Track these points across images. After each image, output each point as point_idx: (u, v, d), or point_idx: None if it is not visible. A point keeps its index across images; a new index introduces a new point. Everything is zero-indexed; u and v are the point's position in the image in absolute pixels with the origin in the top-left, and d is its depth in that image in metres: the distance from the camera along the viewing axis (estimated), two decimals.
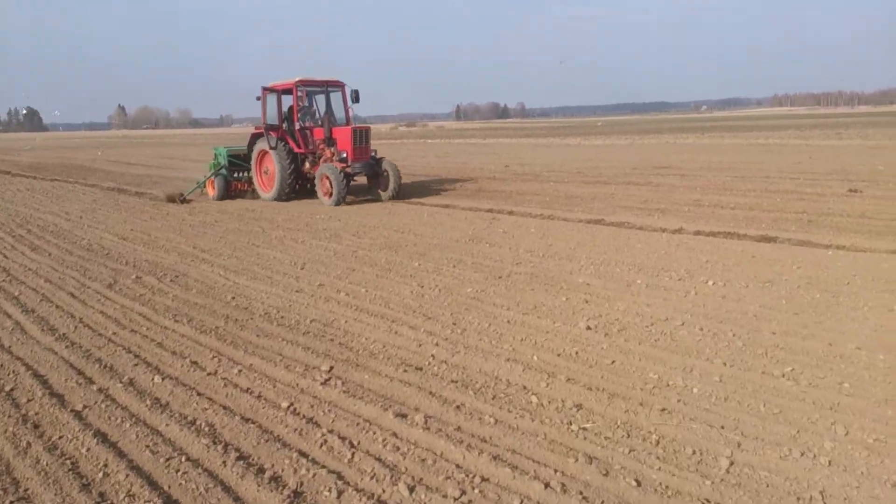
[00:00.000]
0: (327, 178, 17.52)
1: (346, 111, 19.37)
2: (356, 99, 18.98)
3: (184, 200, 19.21)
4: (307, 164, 18.91)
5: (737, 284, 8.28)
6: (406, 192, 19.35)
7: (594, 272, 9.26)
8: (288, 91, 18.86)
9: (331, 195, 17.46)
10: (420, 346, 6.52)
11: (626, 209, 15.02)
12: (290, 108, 19.06)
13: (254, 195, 19.84)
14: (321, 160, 18.51)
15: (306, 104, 19.56)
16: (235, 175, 20.16)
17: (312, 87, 19.34)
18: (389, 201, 18.17)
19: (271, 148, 18.45)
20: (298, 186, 19.00)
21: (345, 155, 17.93)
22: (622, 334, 6.58)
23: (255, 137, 19.54)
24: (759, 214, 13.56)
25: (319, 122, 19.21)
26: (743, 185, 18.47)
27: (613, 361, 5.88)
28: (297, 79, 18.63)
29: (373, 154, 18.57)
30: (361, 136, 18.20)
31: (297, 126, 18.92)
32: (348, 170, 17.80)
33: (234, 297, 8.57)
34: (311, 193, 18.82)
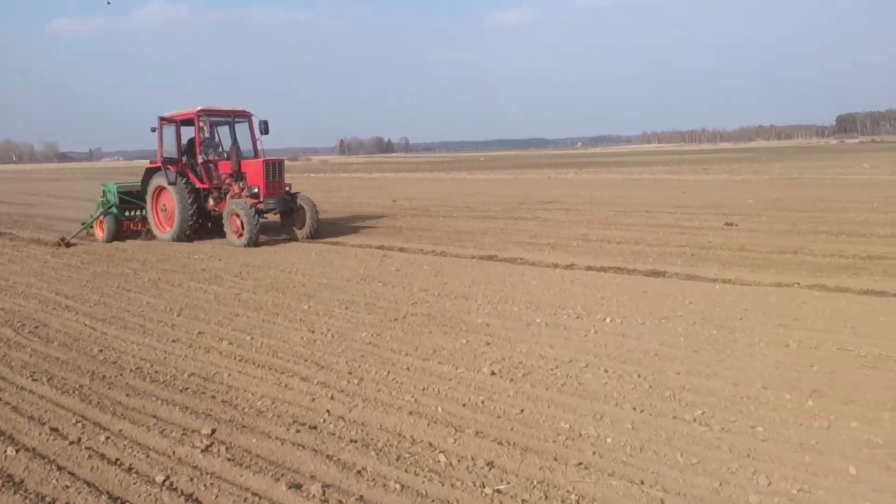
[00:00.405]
0: (237, 215, 16.12)
1: (254, 143, 18.13)
2: (265, 130, 17.80)
3: (68, 244, 17.11)
4: (210, 201, 17.54)
5: (634, 321, 8.23)
6: None
7: (492, 311, 9.01)
8: (189, 121, 17.49)
9: (241, 234, 16.03)
10: (314, 400, 5.99)
11: (516, 244, 14.99)
12: (191, 140, 17.75)
13: (149, 235, 18.29)
14: (228, 196, 17.14)
15: (208, 136, 18.18)
16: (127, 214, 18.56)
17: (216, 116, 17.97)
18: (304, 240, 16.98)
19: (170, 183, 17.04)
20: (200, 225, 17.64)
21: (256, 190, 16.71)
22: (528, 379, 6.30)
23: (150, 172, 18.06)
24: (644, 248, 13.84)
25: (225, 155, 17.85)
26: (626, 218, 18.96)
27: (522, 410, 5.57)
28: (198, 108, 17.27)
29: (287, 188, 17.41)
30: (274, 170, 17.02)
31: (199, 159, 17.49)
32: (260, 206, 16.54)
33: (101, 350, 7.70)
34: (213, 232, 17.63)
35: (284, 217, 17.44)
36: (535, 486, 4.37)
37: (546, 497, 4.25)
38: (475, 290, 10.35)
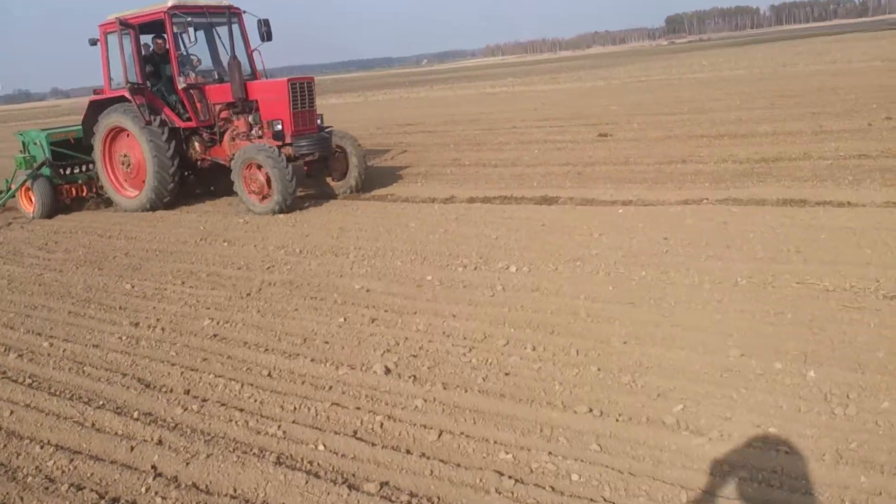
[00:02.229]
0: (258, 166, 10.66)
1: (250, 57, 12.31)
2: (267, 35, 11.75)
3: None
4: (196, 146, 12.02)
5: (544, 268, 6.77)
6: None
7: (370, 270, 7.27)
8: (153, 25, 11.68)
9: (266, 196, 10.69)
10: (132, 449, 4.08)
11: (382, 176, 13.15)
12: (155, 57, 12.08)
13: (100, 203, 12.95)
14: (228, 136, 11.74)
15: (184, 49, 12.14)
16: (64, 174, 12.81)
17: (193, 15, 11.54)
18: (346, 196, 11.77)
19: (146, 124, 11.31)
20: (181, 182, 12.18)
21: (280, 126, 11.08)
22: (436, 375, 4.67)
23: (96, 108, 12.18)
24: (525, 171, 12.42)
25: (215, 76, 12.19)
26: (494, 137, 17.49)
27: (440, 435, 3.94)
28: (169, 4, 11.21)
29: (319, 122, 11.78)
30: (303, 94, 11.18)
31: (179, 83, 11.62)
32: (289, 150, 11.04)
33: None
34: (199, 195, 12.84)
35: (314, 164, 11.68)
36: None
37: None
38: (344, 242, 8.53)
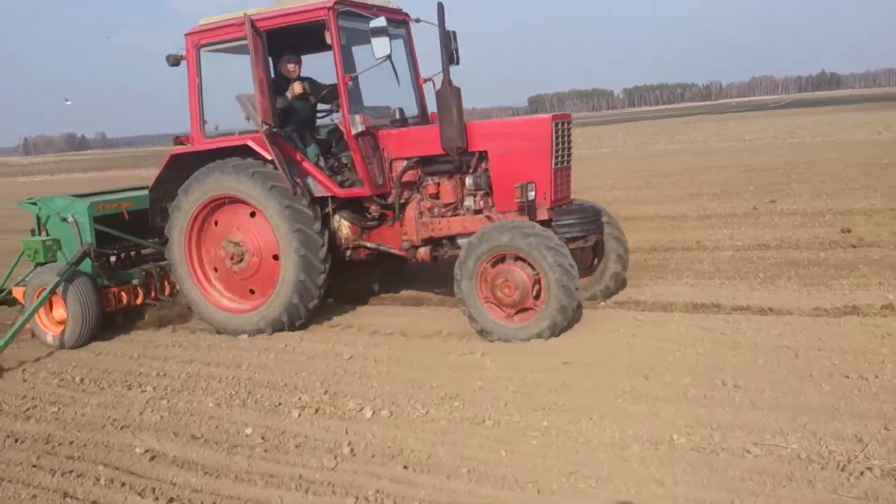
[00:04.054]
0: (517, 259, 6.32)
1: (418, 79, 8.18)
2: (454, 57, 7.37)
3: None
4: (346, 227, 7.54)
5: (410, 411, 4.96)
6: None
7: (167, 418, 5.21)
8: (294, 34, 7.33)
9: (523, 309, 6.35)
10: None
11: None
12: (309, 84, 7.74)
13: (163, 308, 8.06)
14: (415, 210, 7.32)
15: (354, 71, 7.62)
16: (115, 269, 7.91)
17: (360, 18, 7.23)
18: (599, 302, 7.42)
19: (287, 201, 6.97)
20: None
21: (533, 195, 6.72)
22: None
23: (177, 166, 7.54)
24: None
25: (397, 116, 7.71)
26: None
27: None
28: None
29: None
30: (565, 140, 6.98)
31: (355, 126, 6.96)
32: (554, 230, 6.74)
33: None
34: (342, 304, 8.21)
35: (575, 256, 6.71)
36: None
37: None
38: (145, 366, 6.36)
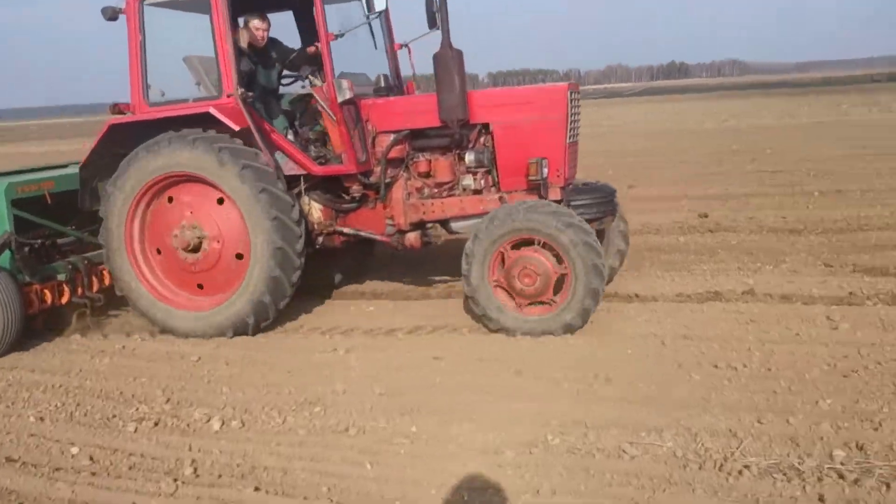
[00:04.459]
0: (542, 244, 5.56)
1: (392, 44, 7.28)
2: (436, 19, 6.13)
3: None
4: (319, 211, 6.61)
5: (266, 421, 4.48)
6: None
7: None
8: None
9: (545, 302, 5.67)
10: None
11: None
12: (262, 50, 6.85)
13: (95, 310, 6.68)
14: (402, 190, 6.48)
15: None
16: (38, 262, 6.52)
17: None
18: None
19: (262, 183, 5.91)
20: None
21: (546, 171, 5.94)
22: None
23: (116, 138, 6.32)
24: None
25: (378, 84, 7.00)
26: None
27: None
28: None
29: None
30: (577, 112, 6.36)
31: (341, 93, 6.03)
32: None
33: None
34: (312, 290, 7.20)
35: None
36: None
37: None
38: None
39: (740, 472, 3.44)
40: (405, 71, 7.24)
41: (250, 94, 6.17)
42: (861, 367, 4.49)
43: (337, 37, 6.11)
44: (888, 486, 3.17)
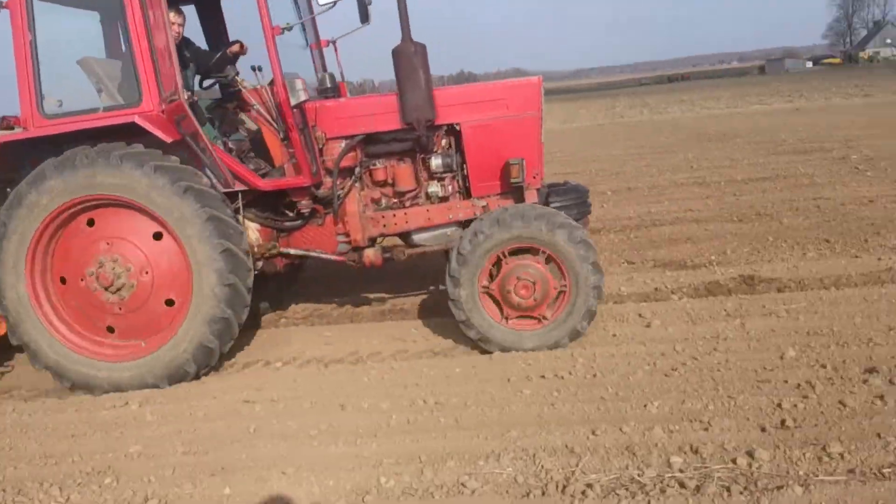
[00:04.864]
0: (537, 252, 5.07)
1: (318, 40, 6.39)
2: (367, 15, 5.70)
3: None
4: (257, 232, 5.69)
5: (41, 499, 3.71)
6: None
7: None
8: None
9: (539, 317, 5.14)
10: None
11: None
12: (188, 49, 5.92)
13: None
14: (357, 203, 5.68)
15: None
16: None
17: None
18: None
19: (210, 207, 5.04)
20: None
21: (519, 174, 5.35)
22: None
23: (7, 152, 5.13)
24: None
25: (324, 84, 6.08)
26: None
27: None
28: None
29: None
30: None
31: (295, 96, 5.26)
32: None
33: None
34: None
35: None
36: None
37: None
38: None
39: (584, 493, 3.27)
40: (331, 70, 6.47)
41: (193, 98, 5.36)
42: (679, 365, 4.55)
43: (284, 30, 5.27)
44: (729, 490, 3.13)
